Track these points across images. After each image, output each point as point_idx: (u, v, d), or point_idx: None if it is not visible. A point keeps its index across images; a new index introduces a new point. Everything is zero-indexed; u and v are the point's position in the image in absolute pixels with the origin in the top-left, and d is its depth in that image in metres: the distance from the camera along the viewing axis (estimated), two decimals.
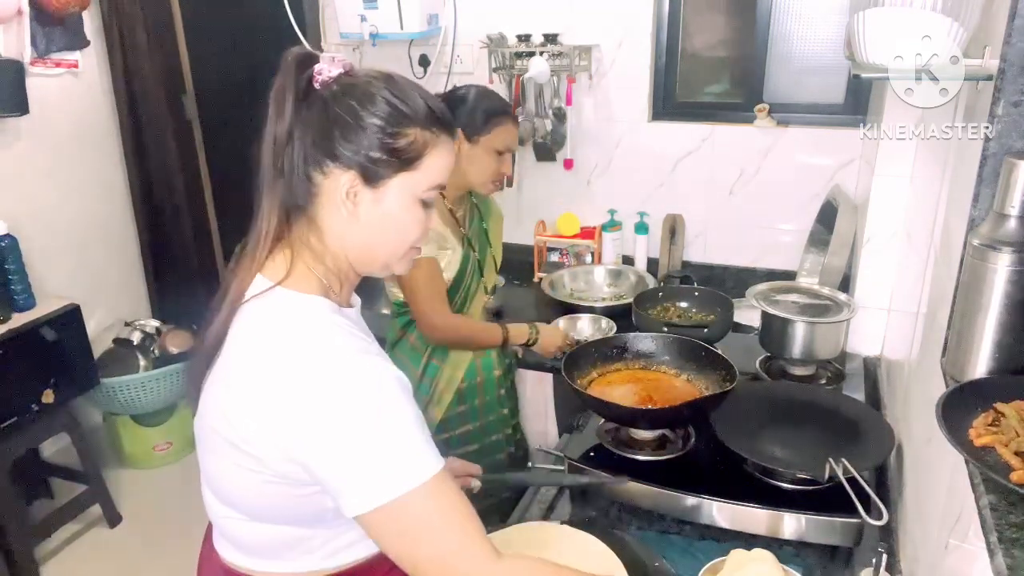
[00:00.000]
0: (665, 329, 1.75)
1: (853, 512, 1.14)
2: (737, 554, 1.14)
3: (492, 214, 1.93)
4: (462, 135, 1.72)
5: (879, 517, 1.12)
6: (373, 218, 0.91)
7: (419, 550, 0.84)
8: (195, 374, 0.92)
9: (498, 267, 1.95)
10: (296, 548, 0.93)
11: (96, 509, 2.64)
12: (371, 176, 0.89)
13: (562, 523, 1.36)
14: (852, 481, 1.17)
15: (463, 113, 1.73)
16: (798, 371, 1.74)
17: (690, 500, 1.30)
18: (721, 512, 1.28)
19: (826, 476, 1.20)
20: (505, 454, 1.93)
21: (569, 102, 2.33)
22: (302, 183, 0.89)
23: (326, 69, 0.88)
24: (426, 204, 0.93)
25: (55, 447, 2.81)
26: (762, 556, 1.12)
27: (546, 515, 1.42)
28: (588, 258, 2.48)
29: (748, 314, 1.99)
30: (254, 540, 0.94)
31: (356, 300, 1.03)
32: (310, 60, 0.89)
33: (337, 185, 0.89)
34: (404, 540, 0.83)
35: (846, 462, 1.19)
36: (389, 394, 0.83)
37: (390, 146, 0.88)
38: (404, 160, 0.89)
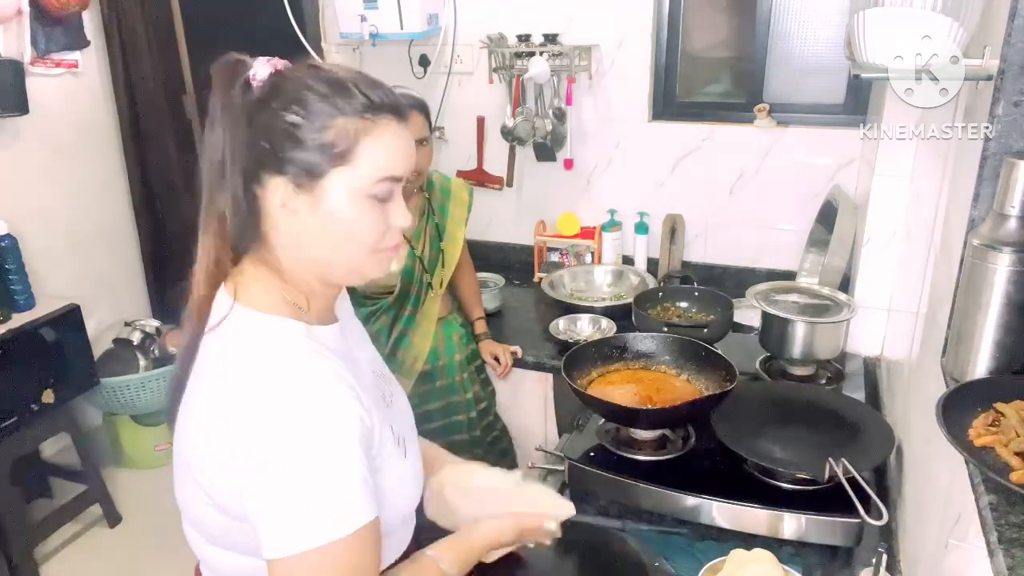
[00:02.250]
0: (665, 329, 1.75)
1: (853, 512, 1.14)
2: (737, 554, 1.15)
3: (454, 199, 1.97)
4: None
5: (879, 517, 1.12)
6: (317, 224, 0.82)
7: None
8: (171, 402, 0.90)
9: (453, 261, 1.96)
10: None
11: (96, 509, 2.64)
12: (301, 179, 0.81)
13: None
14: (852, 481, 1.17)
15: None
16: (798, 371, 1.74)
17: (690, 500, 1.30)
18: (721, 512, 1.28)
19: (826, 476, 1.20)
20: (467, 435, 2.02)
21: (569, 102, 2.33)
22: (242, 199, 0.82)
23: (260, 71, 0.81)
24: (381, 199, 0.83)
25: (55, 447, 2.81)
26: (762, 556, 1.12)
27: None
28: (588, 258, 2.48)
29: (748, 314, 1.99)
30: (225, 566, 0.92)
31: (344, 311, 1.00)
32: (241, 65, 0.82)
33: (274, 194, 0.82)
34: None
35: (846, 462, 1.19)
36: (332, 435, 0.77)
37: (315, 142, 0.80)
38: (334, 155, 0.80)
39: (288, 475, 0.75)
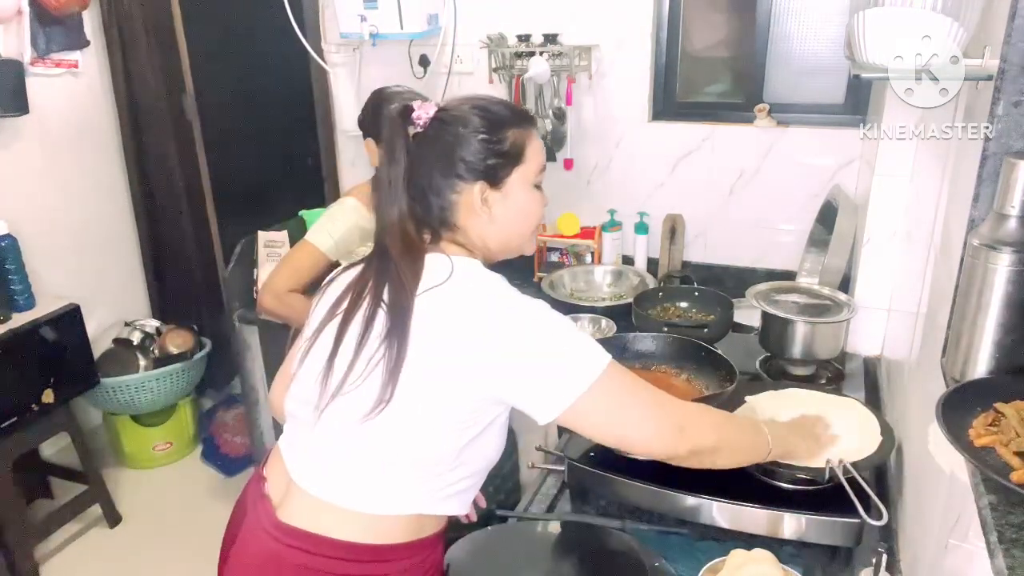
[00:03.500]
0: (665, 329, 1.75)
1: (853, 512, 1.14)
2: (737, 554, 1.15)
3: None
4: (374, 143, 1.89)
5: (879, 517, 1.12)
6: (505, 212, 1.09)
7: (621, 416, 1.01)
8: (395, 353, 0.99)
9: None
10: (411, 490, 1.04)
11: (96, 509, 2.64)
12: (494, 180, 1.07)
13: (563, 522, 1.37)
14: (852, 481, 1.17)
15: (365, 121, 1.92)
16: (798, 371, 1.74)
17: (690, 500, 1.30)
18: (721, 512, 1.28)
19: (826, 476, 1.20)
20: None
21: (569, 102, 2.33)
22: (437, 203, 1.06)
23: (423, 113, 1.06)
24: (537, 186, 1.12)
25: (55, 447, 2.81)
26: (762, 556, 1.12)
27: (546, 512, 1.42)
28: (588, 258, 2.48)
29: (748, 314, 1.99)
30: (380, 481, 1.03)
31: None
32: (408, 110, 1.06)
33: (471, 197, 1.06)
34: (607, 415, 1.00)
35: (846, 462, 1.19)
36: (551, 312, 1.00)
37: (499, 150, 1.06)
38: (513, 157, 1.08)
39: (544, 350, 0.98)
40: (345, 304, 1.07)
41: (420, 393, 0.98)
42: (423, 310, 0.99)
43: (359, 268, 1.11)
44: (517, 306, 1.00)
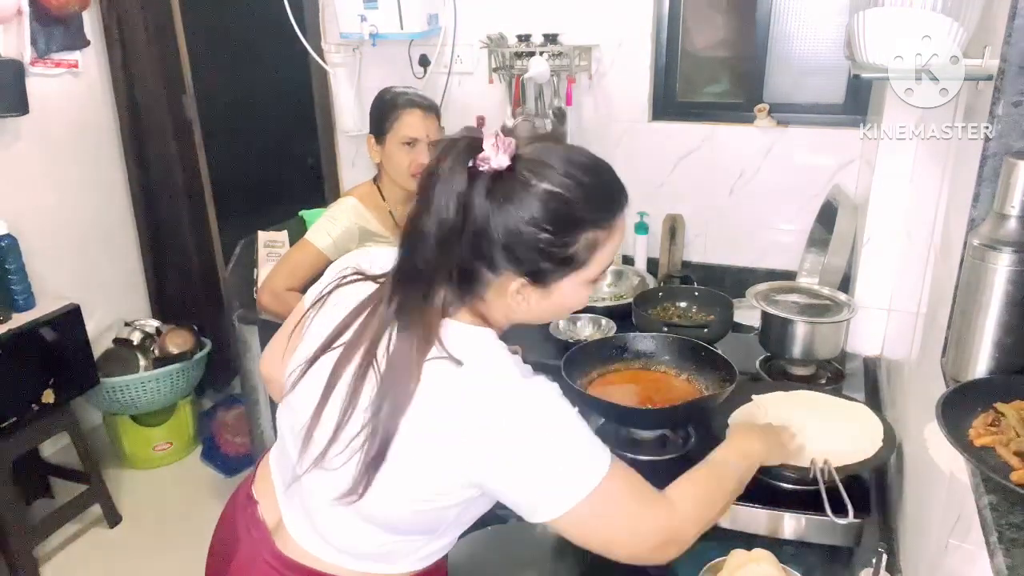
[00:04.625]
0: (665, 329, 1.75)
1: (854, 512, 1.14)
2: (737, 554, 1.15)
3: None
4: (374, 139, 1.89)
5: (845, 516, 1.15)
6: (542, 306, 0.92)
7: (612, 527, 0.90)
8: (387, 421, 0.86)
9: None
10: (403, 553, 0.98)
11: (96, 509, 2.64)
12: (541, 280, 0.89)
13: None
14: (844, 481, 1.19)
15: (370, 120, 1.92)
16: (798, 371, 1.74)
17: None
18: None
19: (811, 476, 1.21)
20: None
21: (569, 102, 2.33)
22: (470, 271, 0.88)
23: (492, 158, 0.83)
24: (594, 282, 0.94)
25: (55, 447, 2.81)
26: (762, 556, 1.12)
27: None
28: None
29: (748, 314, 1.99)
30: (370, 547, 0.96)
31: None
32: (477, 147, 0.84)
33: (507, 284, 0.88)
34: (598, 525, 0.89)
35: (829, 463, 1.21)
36: (559, 408, 0.87)
37: (559, 256, 0.87)
38: (575, 263, 0.89)
39: (540, 451, 0.85)
40: (347, 337, 0.93)
41: (408, 480, 0.87)
42: (424, 380, 0.85)
43: (369, 292, 0.96)
44: (528, 401, 0.85)
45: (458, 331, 0.89)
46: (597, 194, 0.88)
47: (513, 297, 0.89)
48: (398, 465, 0.86)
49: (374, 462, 0.86)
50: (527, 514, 0.88)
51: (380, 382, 0.87)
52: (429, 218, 0.84)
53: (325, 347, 0.94)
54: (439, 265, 0.87)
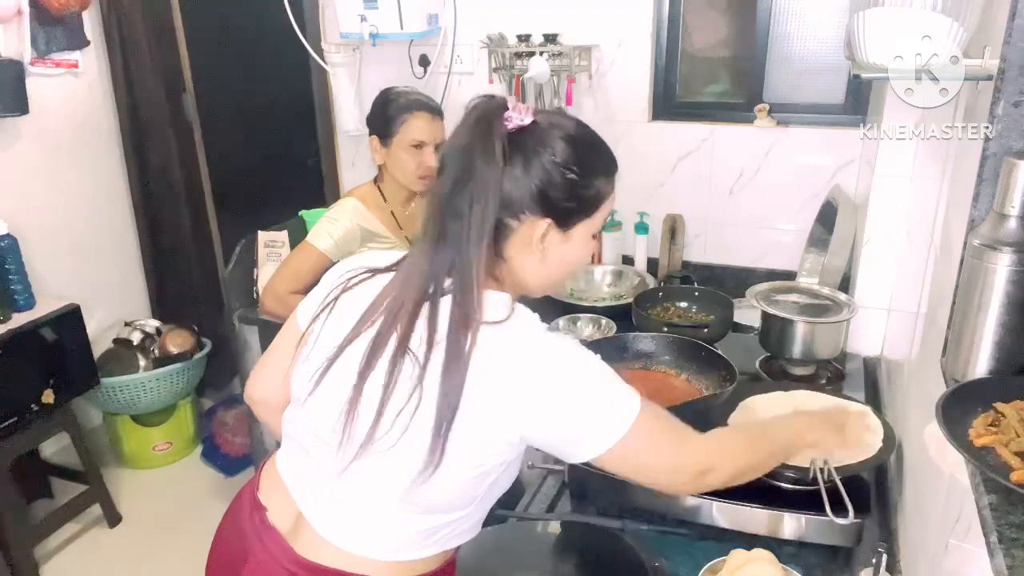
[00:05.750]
0: (665, 329, 1.75)
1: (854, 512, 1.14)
2: (737, 554, 1.15)
3: None
4: (378, 140, 1.88)
5: (845, 516, 1.14)
6: (559, 256, 0.99)
7: (649, 460, 0.97)
8: (451, 389, 0.90)
9: None
10: (433, 537, 0.99)
11: (96, 509, 2.64)
12: (563, 223, 0.97)
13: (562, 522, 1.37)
14: (843, 482, 1.18)
15: (374, 120, 1.90)
16: (798, 371, 1.74)
17: (690, 500, 1.30)
18: (721, 512, 1.28)
19: (811, 476, 1.21)
20: None
21: (569, 102, 2.33)
22: (499, 225, 0.94)
23: (516, 117, 0.93)
24: (595, 236, 1.03)
25: (55, 447, 2.81)
26: (762, 556, 1.13)
27: (546, 512, 1.42)
28: (588, 258, 2.48)
29: (748, 314, 1.99)
30: (408, 533, 0.98)
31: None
32: (502, 105, 0.94)
33: (532, 230, 0.95)
34: (636, 459, 0.95)
35: (829, 463, 1.20)
36: (587, 356, 0.94)
37: (582, 196, 0.97)
38: (591, 207, 0.99)
39: (583, 394, 0.92)
40: (374, 329, 0.94)
41: (465, 445, 0.90)
42: (478, 348, 0.90)
43: (383, 285, 0.98)
44: (561, 351, 0.93)
45: (487, 297, 0.94)
46: (605, 148, 1.02)
47: (537, 246, 0.96)
48: (458, 431, 0.89)
49: (446, 428, 0.89)
50: (572, 455, 0.94)
51: (426, 358, 0.91)
52: (486, 168, 0.91)
53: (346, 344, 0.96)
54: (475, 225, 0.92)
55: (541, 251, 0.97)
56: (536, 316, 0.97)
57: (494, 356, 0.91)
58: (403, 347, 0.92)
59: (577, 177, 0.95)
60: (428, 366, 0.90)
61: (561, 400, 0.91)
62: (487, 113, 0.93)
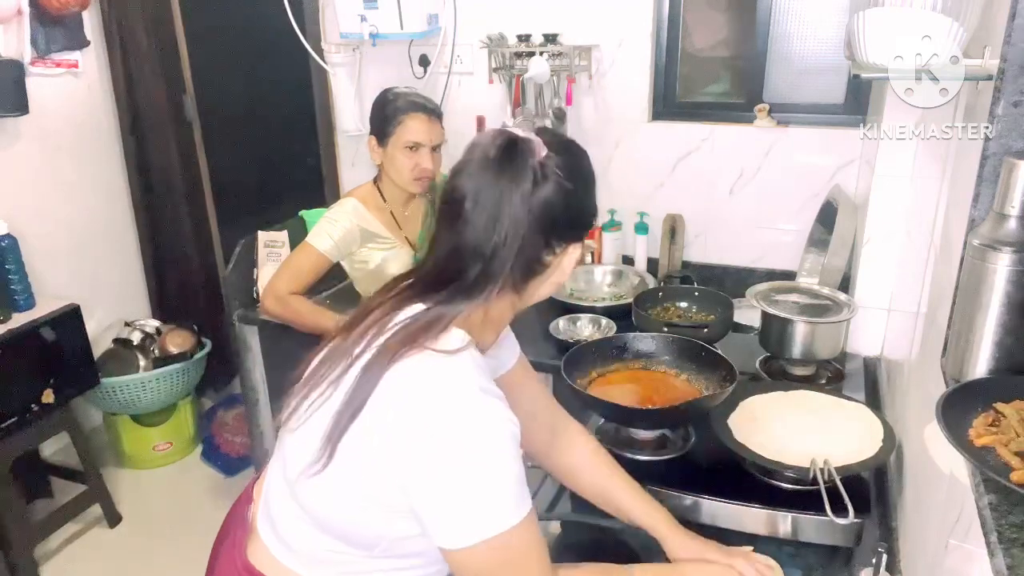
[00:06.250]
0: (665, 329, 1.75)
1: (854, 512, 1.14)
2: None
3: None
4: (376, 141, 1.88)
5: (845, 516, 1.14)
6: (555, 275, 0.98)
7: None
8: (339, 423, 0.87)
9: None
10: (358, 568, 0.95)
11: (96, 509, 2.64)
12: (581, 237, 0.98)
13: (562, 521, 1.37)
14: (843, 482, 1.19)
15: (373, 120, 1.92)
16: (798, 371, 1.74)
17: (690, 500, 1.30)
18: (721, 512, 1.28)
19: (811, 476, 1.21)
20: None
21: (569, 102, 2.33)
22: (525, 262, 0.92)
23: (537, 148, 0.90)
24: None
25: (55, 447, 2.81)
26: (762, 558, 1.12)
27: (546, 512, 1.42)
28: (588, 258, 2.48)
29: (748, 314, 1.99)
30: (319, 551, 0.95)
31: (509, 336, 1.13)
32: (527, 145, 0.89)
33: (568, 259, 0.96)
34: (491, 572, 0.87)
35: (829, 463, 1.20)
36: (502, 438, 0.85)
37: (596, 211, 0.99)
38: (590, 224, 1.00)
39: (462, 473, 0.83)
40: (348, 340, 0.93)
41: (354, 458, 0.86)
42: (401, 364, 0.86)
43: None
44: (475, 419, 0.84)
45: (450, 329, 0.90)
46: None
47: (556, 268, 0.96)
48: (348, 447, 0.86)
49: (343, 427, 0.85)
50: (433, 534, 0.85)
51: (358, 355, 0.88)
52: (514, 193, 0.88)
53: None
54: (498, 269, 0.89)
55: (553, 270, 0.97)
56: (481, 370, 0.88)
57: (413, 380, 0.85)
58: (346, 337, 0.92)
59: (592, 202, 0.97)
60: (355, 363, 0.88)
61: (446, 462, 0.82)
62: (523, 151, 0.89)
